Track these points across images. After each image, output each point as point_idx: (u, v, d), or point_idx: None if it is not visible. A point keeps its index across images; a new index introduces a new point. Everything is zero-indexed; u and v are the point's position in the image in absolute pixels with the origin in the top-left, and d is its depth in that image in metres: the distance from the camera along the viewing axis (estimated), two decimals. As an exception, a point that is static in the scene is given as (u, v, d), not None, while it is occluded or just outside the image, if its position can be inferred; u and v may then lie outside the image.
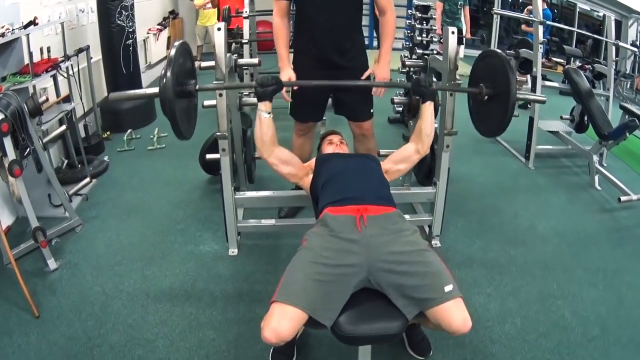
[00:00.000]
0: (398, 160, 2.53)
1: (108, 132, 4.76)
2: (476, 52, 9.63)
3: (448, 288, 1.74)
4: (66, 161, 3.94)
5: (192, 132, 2.44)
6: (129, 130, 4.65)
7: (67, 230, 3.11)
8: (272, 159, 2.40)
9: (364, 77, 2.86)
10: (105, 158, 4.22)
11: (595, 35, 5.28)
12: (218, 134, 2.66)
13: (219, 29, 2.53)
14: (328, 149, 2.68)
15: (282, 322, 1.64)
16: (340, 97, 2.97)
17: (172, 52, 2.14)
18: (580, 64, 4.59)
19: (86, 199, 3.55)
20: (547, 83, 4.54)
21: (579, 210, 3.62)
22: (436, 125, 2.69)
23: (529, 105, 4.44)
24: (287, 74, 2.79)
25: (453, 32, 2.62)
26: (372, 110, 3.00)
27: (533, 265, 2.92)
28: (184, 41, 2.36)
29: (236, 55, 2.94)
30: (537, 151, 4.39)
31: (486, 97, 2.48)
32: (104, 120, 4.86)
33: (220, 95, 2.58)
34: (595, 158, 3.99)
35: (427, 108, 2.46)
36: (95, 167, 4.00)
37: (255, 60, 3.10)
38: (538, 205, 3.68)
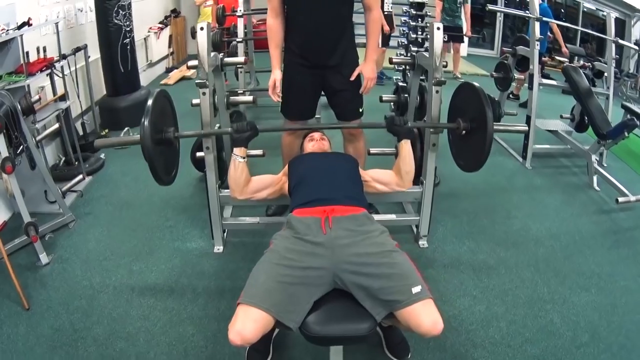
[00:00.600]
0: (378, 180, 2.55)
1: (106, 130, 4.79)
2: (480, 51, 9.66)
3: (416, 289, 1.73)
4: (63, 158, 4.00)
5: (174, 178, 2.50)
6: (126, 129, 4.63)
7: (60, 226, 3.16)
8: (244, 196, 2.46)
9: (352, 76, 2.82)
10: (102, 156, 4.27)
11: (595, 33, 5.21)
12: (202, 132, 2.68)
13: (201, 29, 2.54)
14: (309, 146, 2.69)
15: (246, 324, 1.65)
16: (331, 95, 2.97)
17: (150, 101, 2.20)
18: (583, 63, 4.54)
19: (81, 196, 3.60)
20: (545, 81, 4.49)
21: (576, 212, 3.56)
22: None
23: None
24: (274, 75, 2.79)
25: (438, 28, 2.61)
26: (361, 110, 2.97)
27: (523, 268, 2.87)
28: (162, 89, 2.45)
29: (222, 54, 2.95)
30: (535, 151, 4.34)
31: (464, 131, 2.48)
32: (102, 118, 4.91)
33: (204, 94, 2.61)
34: (594, 158, 3.93)
35: (403, 147, 2.47)
36: (92, 164, 4.05)
37: (241, 59, 3.12)
38: (533, 206, 3.63)
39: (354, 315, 1.76)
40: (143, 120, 2.11)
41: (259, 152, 3.16)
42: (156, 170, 2.20)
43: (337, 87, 2.87)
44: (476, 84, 2.53)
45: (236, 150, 2.35)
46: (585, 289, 2.70)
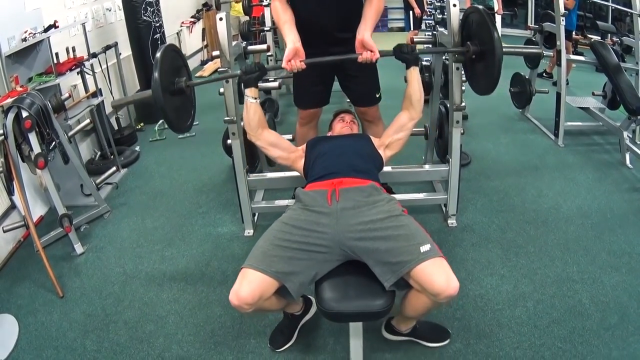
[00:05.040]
0: (395, 131, 2.51)
1: (142, 124, 4.97)
2: (513, 31, 9.47)
3: (424, 248, 1.72)
4: (99, 153, 4.16)
5: (191, 125, 2.56)
6: (161, 121, 4.84)
7: (95, 217, 3.31)
8: (260, 142, 2.45)
9: (358, 51, 2.46)
10: (137, 148, 4.42)
11: (620, 7, 5.03)
12: (226, 118, 2.75)
13: (220, 19, 2.59)
14: (338, 127, 2.67)
15: (242, 284, 1.71)
16: (344, 81, 2.90)
17: (158, 54, 2.22)
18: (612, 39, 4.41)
19: (116, 187, 3.74)
20: (573, 57, 4.37)
21: (607, 190, 3.46)
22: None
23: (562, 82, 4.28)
24: (290, 44, 2.41)
25: (455, 5, 2.58)
26: (378, 95, 2.90)
27: (553, 247, 2.82)
28: (170, 43, 2.51)
29: (245, 43, 3.00)
30: (567, 128, 4.25)
31: (474, 55, 2.46)
32: (137, 112, 5.08)
33: (227, 82, 2.67)
34: (626, 135, 3.81)
35: (412, 73, 2.46)
36: (127, 157, 4.20)
37: (264, 47, 3.15)
38: (564, 184, 3.56)
39: (370, 292, 1.78)
40: (152, 73, 2.17)
41: (288, 137, 3.21)
42: (169, 119, 2.28)
43: (349, 72, 2.79)
44: (481, 7, 2.51)
45: (247, 92, 2.39)
46: (616, 268, 2.62)
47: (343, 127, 2.65)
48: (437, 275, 1.65)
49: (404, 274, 1.71)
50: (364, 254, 1.81)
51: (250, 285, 1.71)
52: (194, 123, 4.73)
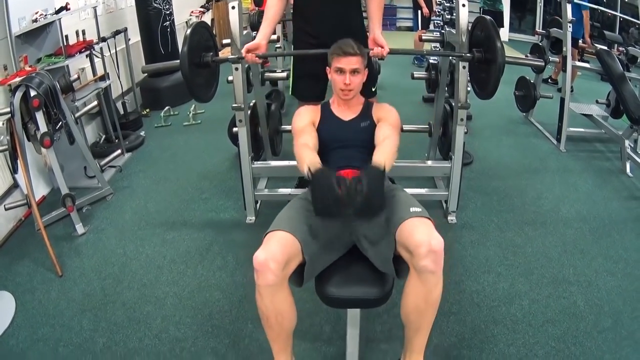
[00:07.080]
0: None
1: (147, 110, 5.00)
2: (521, 36, 9.49)
3: (414, 209, 1.74)
4: (104, 136, 4.18)
5: (212, 96, 2.81)
6: (167, 107, 4.86)
7: (98, 199, 3.32)
8: None
9: (372, 53, 2.51)
10: (142, 133, 4.44)
11: (624, 16, 5.05)
12: (234, 105, 2.77)
13: (232, 8, 2.64)
14: (338, 80, 2.50)
15: (270, 242, 1.70)
16: None
17: (188, 31, 2.46)
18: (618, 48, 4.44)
19: (120, 171, 3.77)
20: (579, 64, 4.38)
21: (607, 196, 3.48)
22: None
23: (563, 86, 4.30)
24: (257, 38, 2.54)
25: (464, 5, 2.61)
26: (373, 89, 2.88)
27: (551, 248, 2.84)
28: (202, 21, 2.55)
29: (255, 32, 3.02)
30: (570, 134, 4.26)
31: (477, 62, 2.54)
32: (144, 98, 5.11)
33: (237, 69, 2.70)
34: (628, 143, 3.82)
35: None
36: (132, 141, 4.22)
37: (273, 37, 3.17)
38: (564, 189, 3.57)
39: (369, 279, 1.80)
40: (182, 47, 2.46)
41: (287, 127, 3.22)
42: (193, 89, 2.57)
43: None
44: (488, 17, 2.59)
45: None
46: (612, 273, 2.64)
47: (343, 79, 2.30)
48: (418, 229, 1.64)
49: (394, 233, 1.70)
50: (367, 230, 1.81)
51: (279, 242, 1.69)
52: (199, 111, 4.84)
